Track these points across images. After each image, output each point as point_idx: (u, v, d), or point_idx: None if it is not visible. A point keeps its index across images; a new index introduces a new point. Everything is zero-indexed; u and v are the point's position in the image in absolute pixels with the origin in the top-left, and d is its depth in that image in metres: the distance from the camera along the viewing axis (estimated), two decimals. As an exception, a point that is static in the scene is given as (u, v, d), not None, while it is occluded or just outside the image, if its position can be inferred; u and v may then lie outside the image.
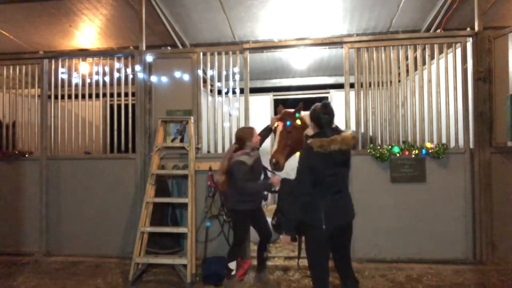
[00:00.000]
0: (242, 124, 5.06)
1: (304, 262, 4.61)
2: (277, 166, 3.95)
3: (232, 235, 4.71)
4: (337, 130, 2.95)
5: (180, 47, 6.36)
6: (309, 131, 3.15)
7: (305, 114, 5.23)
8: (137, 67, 5.16)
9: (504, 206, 4.53)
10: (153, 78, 5.17)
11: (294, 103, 8.36)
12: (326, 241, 2.91)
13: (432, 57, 4.81)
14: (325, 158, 2.79)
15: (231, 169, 3.88)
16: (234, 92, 5.17)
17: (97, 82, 5.35)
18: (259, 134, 4.20)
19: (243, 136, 3.97)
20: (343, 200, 2.97)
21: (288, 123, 4.09)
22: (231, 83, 5.14)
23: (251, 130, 4.07)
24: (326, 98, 8.57)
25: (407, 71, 5.04)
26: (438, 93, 4.75)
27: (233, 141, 5.10)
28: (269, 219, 5.30)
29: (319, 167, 2.82)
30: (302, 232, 3.16)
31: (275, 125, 4.16)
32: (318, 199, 2.86)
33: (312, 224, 2.89)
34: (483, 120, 4.59)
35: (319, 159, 2.80)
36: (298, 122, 4.11)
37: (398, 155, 4.62)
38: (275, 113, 8.88)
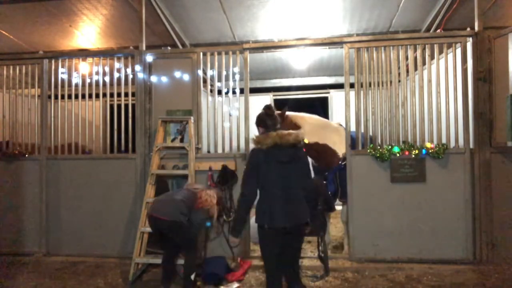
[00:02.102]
0: (242, 124, 5.07)
1: (303, 262, 4.62)
2: None
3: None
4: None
5: (180, 47, 6.35)
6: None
7: (295, 115, 5.20)
8: (137, 67, 5.16)
9: (504, 206, 4.52)
10: (153, 78, 5.17)
11: (294, 103, 8.40)
12: (274, 241, 2.82)
13: (432, 57, 4.81)
14: (267, 157, 2.80)
15: None
16: (234, 92, 5.17)
17: (97, 82, 5.34)
18: None
19: None
20: (291, 203, 2.83)
21: None
22: (231, 83, 5.14)
23: None
24: (326, 98, 8.58)
25: (407, 71, 5.04)
26: (438, 93, 4.75)
27: (233, 141, 5.14)
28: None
29: (262, 165, 2.81)
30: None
31: None
32: (264, 198, 2.84)
33: (258, 223, 2.88)
34: (483, 120, 4.59)
35: (262, 157, 2.81)
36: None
37: (398, 155, 4.62)
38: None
